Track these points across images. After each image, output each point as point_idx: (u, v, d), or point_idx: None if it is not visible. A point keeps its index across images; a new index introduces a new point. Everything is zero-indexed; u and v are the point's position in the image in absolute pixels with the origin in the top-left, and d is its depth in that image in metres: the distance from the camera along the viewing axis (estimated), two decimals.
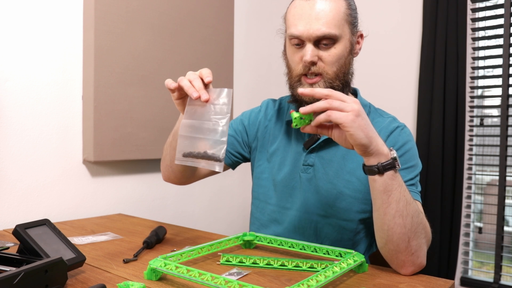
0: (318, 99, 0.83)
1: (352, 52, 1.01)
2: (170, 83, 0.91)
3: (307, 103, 0.97)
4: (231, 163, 1.21)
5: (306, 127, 0.83)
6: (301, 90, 0.82)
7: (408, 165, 0.99)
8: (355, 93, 1.13)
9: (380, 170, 0.81)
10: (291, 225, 1.09)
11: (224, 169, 1.20)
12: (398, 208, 0.82)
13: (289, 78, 1.04)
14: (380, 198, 0.83)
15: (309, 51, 0.96)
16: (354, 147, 0.81)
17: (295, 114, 0.81)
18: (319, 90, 0.81)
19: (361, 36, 1.05)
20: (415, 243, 0.84)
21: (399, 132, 1.03)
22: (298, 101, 1.02)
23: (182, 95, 0.92)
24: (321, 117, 0.78)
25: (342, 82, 1.00)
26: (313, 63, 0.97)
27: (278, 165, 1.12)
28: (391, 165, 0.81)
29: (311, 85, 0.98)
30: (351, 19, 0.99)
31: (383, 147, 0.82)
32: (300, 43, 0.98)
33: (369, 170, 0.82)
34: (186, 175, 1.12)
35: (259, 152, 1.18)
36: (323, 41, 0.96)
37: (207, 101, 0.85)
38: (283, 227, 1.11)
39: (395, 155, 0.82)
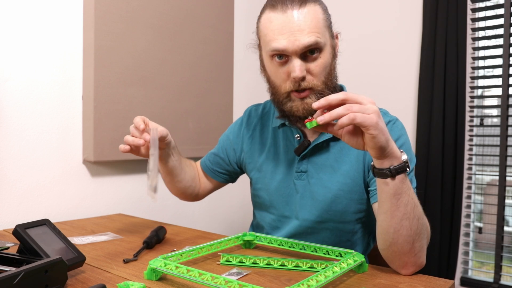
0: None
1: (335, 55, 0.99)
2: (122, 148, 1.00)
3: (301, 117, 0.96)
4: (224, 180, 1.25)
5: (318, 127, 0.79)
6: (316, 105, 0.76)
7: None
8: (341, 89, 1.10)
9: (393, 173, 0.78)
10: (288, 232, 1.09)
11: (219, 186, 1.28)
12: (406, 211, 0.81)
13: (274, 94, 1.00)
14: (389, 202, 0.81)
15: (298, 66, 0.91)
16: (369, 149, 0.78)
17: (313, 123, 0.78)
18: (334, 97, 0.75)
19: (336, 36, 1.01)
20: (418, 245, 0.84)
21: (391, 126, 1.01)
22: (287, 116, 0.99)
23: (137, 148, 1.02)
24: (344, 121, 0.73)
25: (331, 89, 0.97)
26: (303, 78, 0.93)
27: (270, 174, 1.11)
28: (402, 169, 0.79)
29: (302, 98, 0.94)
30: (328, 23, 0.96)
31: (396, 149, 0.79)
32: (283, 57, 0.93)
33: (380, 173, 0.80)
34: (189, 195, 1.23)
35: (249, 163, 1.17)
36: (308, 52, 0.92)
37: (143, 143, 0.98)
38: (280, 234, 1.11)
39: (406, 157, 0.80)
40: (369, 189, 1.01)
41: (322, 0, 0.98)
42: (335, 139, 1.04)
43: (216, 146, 1.26)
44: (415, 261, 0.85)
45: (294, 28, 0.90)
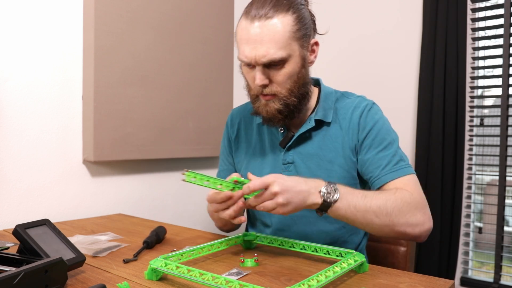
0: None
1: (305, 65, 1.00)
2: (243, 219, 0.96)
3: (265, 118, 1.03)
4: None
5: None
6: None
7: (383, 145, 1.00)
8: (318, 82, 1.13)
9: (325, 209, 0.87)
10: (282, 224, 1.10)
11: None
12: (365, 217, 0.89)
13: (248, 92, 1.05)
14: (346, 221, 0.91)
15: (258, 76, 0.95)
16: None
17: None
18: (237, 196, 0.87)
19: (316, 43, 1.02)
20: (403, 220, 0.90)
21: (366, 113, 1.04)
22: (259, 114, 1.04)
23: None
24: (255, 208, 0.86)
25: (298, 96, 1.00)
26: (265, 86, 0.97)
27: (258, 169, 1.13)
28: (327, 205, 0.87)
29: (267, 101, 0.99)
30: (300, 34, 0.95)
31: (312, 195, 0.87)
32: (250, 65, 0.97)
33: (320, 212, 0.89)
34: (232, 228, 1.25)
35: (237, 162, 1.20)
36: (272, 63, 0.94)
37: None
38: (273, 227, 1.12)
39: (324, 189, 0.87)
40: (365, 178, 1.04)
41: (301, 6, 0.96)
42: (316, 128, 1.06)
43: (220, 163, 1.26)
44: (412, 229, 0.92)
45: (256, 40, 0.92)
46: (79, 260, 0.82)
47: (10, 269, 0.71)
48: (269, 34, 0.91)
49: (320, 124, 1.06)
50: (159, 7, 1.69)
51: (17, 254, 0.78)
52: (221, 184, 0.88)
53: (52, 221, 1.21)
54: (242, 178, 0.90)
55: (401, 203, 0.91)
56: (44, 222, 0.86)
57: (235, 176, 0.90)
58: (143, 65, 1.64)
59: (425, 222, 0.93)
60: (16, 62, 1.35)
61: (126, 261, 0.93)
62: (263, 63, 0.94)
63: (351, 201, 0.88)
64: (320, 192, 0.86)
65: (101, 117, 1.51)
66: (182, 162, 1.88)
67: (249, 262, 0.90)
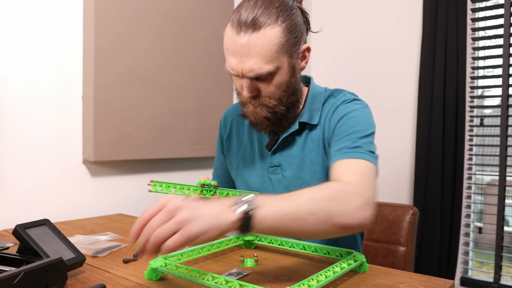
0: None
1: (295, 73, 0.96)
2: None
3: (252, 122, 1.01)
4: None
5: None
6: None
7: (348, 132, 0.94)
8: (309, 80, 1.10)
9: (247, 224, 0.67)
10: None
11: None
12: (299, 217, 0.71)
13: (238, 97, 1.02)
14: (277, 233, 0.73)
15: (245, 87, 0.92)
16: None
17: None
18: (134, 230, 0.65)
19: (308, 49, 0.98)
20: (341, 209, 0.74)
21: (341, 107, 1.00)
22: (247, 117, 1.03)
23: None
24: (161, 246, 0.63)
25: (286, 105, 0.98)
26: (253, 97, 0.95)
27: (248, 170, 1.13)
28: (248, 217, 0.66)
29: (255, 107, 0.97)
30: (289, 45, 0.91)
31: (224, 211, 0.66)
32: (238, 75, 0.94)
33: (243, 232, 0.68)
34: None
35: (229, 162, 1.19)
36: (259, 77, 0.92)
37: None
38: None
39: (237, 201, 0.68)
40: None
41: (291, 11, 0.92)
42: (299, 132, 1.05)
43: (215, 161, 1.27)
44: (352, 219, 0.75)
45: (243, 54, 0.88)
46: (79, 260, 0.82)
47: (10, 269, 0.71)
48: (255, 48, 0.87)
49: (304, 126, 1.04)
50: (159, 7, 1.69)
51: (17, 254, 0.78)
52: (188, 189, 0.89)
53: (52, 221, 1.21)
54: (209, 181, 0.89)
55: (334, 190, 0.77)
56: (44, 222, 0.86)
57: (202, 179, 0.88)
58: (143, 65, 1.64)
59: (364, 206, 0.76)
60: (16, 62, 1.35)
61: (126, 261, 0.93)
62: (250, 77, 0.91)
63: (275, 205, 0.70)
64: (233, 206, 0.67)
65: (101, 117, 1.51)
66: (182, 162, 1.88)
67: (249, 262, 0.90)
